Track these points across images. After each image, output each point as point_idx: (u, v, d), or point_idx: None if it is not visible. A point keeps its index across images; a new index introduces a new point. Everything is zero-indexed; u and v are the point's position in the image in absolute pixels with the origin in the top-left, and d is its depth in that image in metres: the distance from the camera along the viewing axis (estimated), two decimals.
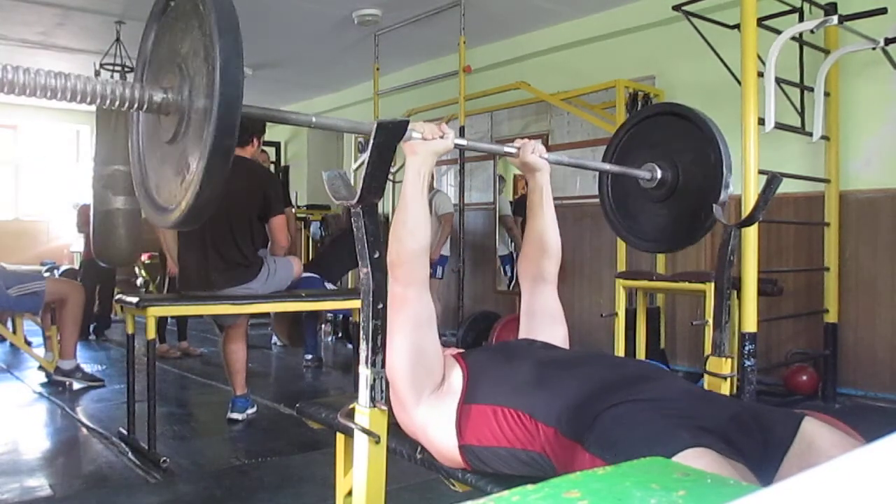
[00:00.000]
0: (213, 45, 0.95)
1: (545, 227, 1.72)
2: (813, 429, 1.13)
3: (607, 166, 1.94)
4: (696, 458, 1.00)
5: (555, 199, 5.45)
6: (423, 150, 1.39)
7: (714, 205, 1.78)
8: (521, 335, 1.68)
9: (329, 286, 4.61)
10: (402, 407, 1.38)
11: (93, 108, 5.31)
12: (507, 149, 1.69)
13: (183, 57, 1.05)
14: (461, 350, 1.56)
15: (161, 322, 5.07)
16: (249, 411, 3.51)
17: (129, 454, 2.92)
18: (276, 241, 3.50)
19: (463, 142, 1.54)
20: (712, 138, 1.76)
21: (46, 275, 5.40)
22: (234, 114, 0.95)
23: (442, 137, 1.42)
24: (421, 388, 1.37)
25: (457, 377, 1.39)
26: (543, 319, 1.68)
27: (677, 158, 1.84)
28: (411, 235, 1.35)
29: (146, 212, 1.17)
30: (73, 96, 1.02)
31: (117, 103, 1.03)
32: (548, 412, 1.24)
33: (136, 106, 1.05)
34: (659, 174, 1.84)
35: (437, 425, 1.36)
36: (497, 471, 1.32)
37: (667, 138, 1.88)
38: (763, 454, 1.12)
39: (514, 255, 6.52)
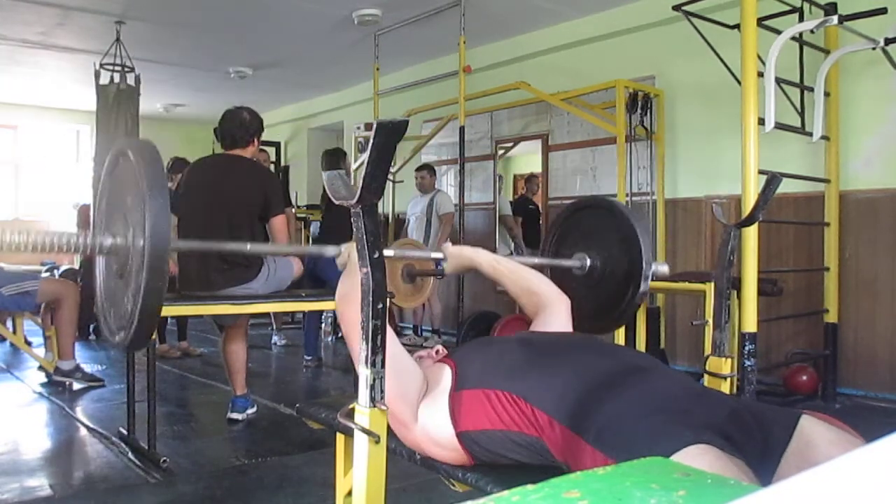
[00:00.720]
0: (143, 215, 1.18)
1: (522, 290, 1.79)
2: (811, 426, 1.13)
3: (538, 260, 2.05)
4: (699, 455, 1.00)
5: (555, 198, 5.44)
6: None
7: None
8: None
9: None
10: (404, 427, 1.39)
11: (93, 107, 5.30)
12: (433, 255, 1.83)
13: (127, 208, 1.30)
14: (446, 351, 1.57)
15: (161, 322, 5.07)
16: (249, 411, 3.51)
17: (129, 454, 2.92)
18: (276, 241, 3.50)
19: (390, 252, 1.71)
20: (634, 235, 1.87)
21: (45, 275, 5.40)
22: (164, 254, 1.19)
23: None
24: (412, 398, 1.38)
25: (446, 375, 1.40)
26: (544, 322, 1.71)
27: (606, 247, 1.96)
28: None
29: (105, 333, 1.42)
30: (36, 248, 1.25)
31: (73, 250, 1.29)
32: (543, 399, 1.25)
33: (89, 251, 1.30)
34: (588, 262, 1.94)
35: (435, 424, 1.36)
36: (495, 454, 1.33)
37: (597, 228, 2.01)
38: (762, 451, 1.12)
39: (515, 255, 6.52)
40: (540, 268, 2.10)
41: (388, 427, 1.28)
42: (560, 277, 2.06)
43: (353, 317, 1.30)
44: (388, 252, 1.61)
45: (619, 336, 4.13)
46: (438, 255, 1.79)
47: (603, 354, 1.38)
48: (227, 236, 3.28)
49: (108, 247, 1.30)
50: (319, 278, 4.74)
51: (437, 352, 1.63)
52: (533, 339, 1.47)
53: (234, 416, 3.47)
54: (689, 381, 1.35)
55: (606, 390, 1.20)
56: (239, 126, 3.42)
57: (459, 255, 1.81)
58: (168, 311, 3.49)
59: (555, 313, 1.73)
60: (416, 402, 1.38)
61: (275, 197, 3.43)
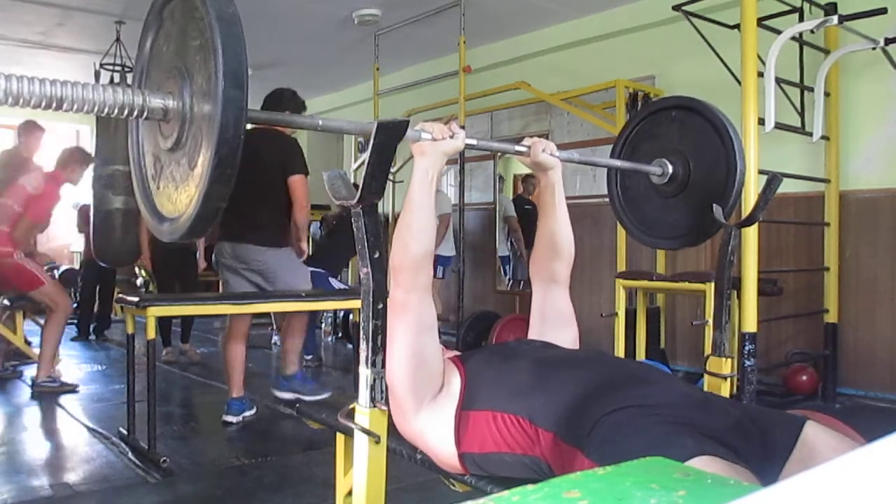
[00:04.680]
0: (215, 50, 0.92)
1: (558, 226, 1.67)
2: (815, 434, 1.12)
3: (618, 163, 1.90)
4: (703, 466, 0.99)
5: None
6: (432, 151, 1.34)
7: (714, 205, 1.76)
8: (531, 336, 1.66)
9: (333, 282, 4.64)
10: (401, 414, 1.37)
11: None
12: (518, 147, 1.64)
13: (184, 60, 1.01)
14: (458, 353, 1.54)
15: (165, 324, 5.02)
16: (247, 413, 3.50)
17: (129, 454, 2.92)
18: (296, 199, 3.52)
19: (473, 141, 1.47)
20: (726, 136, 1.71)
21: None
22: (240, 122, 0.92)
23: (452, 137, 1.36)
24: (422, 394, 1.35)
25: (455, 382, 1.38)
26: (553, 321, 1.65)
27: (688, 153, 1.80)
28: (416, 240, 1.32)
29: (148, 223, 1.14)
30: (71, 106, 0.98)
31: (116, 111, 0.99)
32: (546, 417, 1.24)
33: (135, 114, 1.00)
34: (670, 169, 1.80)
35: (435, 432, 1.35)
36: (494, 473, 1.32)
37: (676, 133, 1.83)
38: (764, 460, 1.11)
39: (514, 256, 6.53)
40: (616, 170, 1.97)
41: (389, 427, 1.28)
42: (634, 188, 1.93)
43: (396, 262, 1.27)
44: (470, 140, 1.44)
45: (620, 336, 4.14)
46: (523, 148, 1.63)
47: (610, 367, 1.36)
48: (255, 201, 3.40)
49: (160, 110, 1.00)
50: None
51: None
52: (544, 357, 1.43)
53: (229, 418, 3.45)
54: (690, 390, 1.34)
55: (605, 402, 1.19)
56: (272, 99, 3.62)
57: (544, 164, 1.65)
58: (168, 310, 3.50)
59: (556, 301, 1.67)
60: (425, 395, 1.36)
61: (293, 157, 3.55)
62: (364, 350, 1.20)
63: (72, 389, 4.15)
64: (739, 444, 1.12)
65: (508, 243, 6.49)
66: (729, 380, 1.84)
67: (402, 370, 1.32)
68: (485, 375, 1.38)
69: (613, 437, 1.12)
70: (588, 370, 1.33)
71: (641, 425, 1.13)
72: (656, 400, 1.21)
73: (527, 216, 6.67)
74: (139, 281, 7.08)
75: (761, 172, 3.02)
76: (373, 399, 1.22)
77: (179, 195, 1.02)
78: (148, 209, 1.13)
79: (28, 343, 4.82)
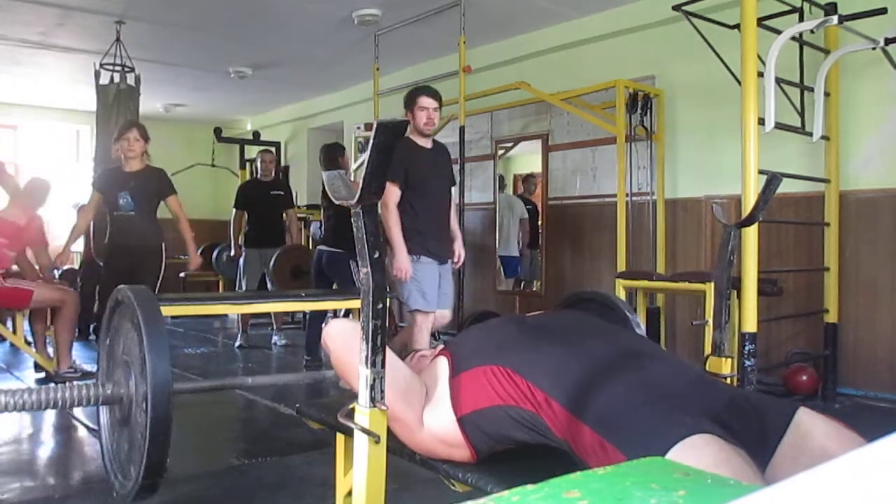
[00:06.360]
0: (145, 363, 1.19)
1: None
2: (808, 419, 1.14)
3: None
4: (703, 446, 1.01)
5: (555, 198, 5.43)
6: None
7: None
8: None
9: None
10: (409, 430, 1.39)
11: (93, 108, 5.32)
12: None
13: (129, 356, 1.31)
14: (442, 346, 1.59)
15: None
16: None
17: None
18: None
19: None
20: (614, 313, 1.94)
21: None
22: (166, 399, 1.19)
23: None
24: (414, 400, 1.38)
25: (443, 367, 1.42)
26: None
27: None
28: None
29: (115, 482, 1.41)
30: (43, 406, 1.28)
31: (76, 403, 1.31)
32: (538, 376, 1.26)
33: (92, 402, 1.30)
34: None
35: (438, 419, 1.37)
36: (496, 436, 1.33)
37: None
38: (758, 441, 1.13)
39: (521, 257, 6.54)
40: None
41: (388, 427, 1.28)
42: None
43: (352, 358, 1.30)
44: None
45: None
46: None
47: (601, 336, 1.39)
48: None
49: (110, 396, 1.31)
50: (325, 275, 4.80)
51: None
52: (526, 318, 1.49)
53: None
54: (686, 368, 1.36)
55: (605, 374, 1.21)
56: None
57: None
58: (167, 310, 3.50)
59: None
60: (418, 404, 1.39)
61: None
62: (364, 350, 1.21)
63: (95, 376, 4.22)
64: (735, 422, 1.14)
65: (520, 245, 6.50)
66: (729, 380, 1.85)
67: (389, 387, 1.33)
68: (468, 342, 1.45)
69: (616, 412, 1.15)
70: (582, 336, 1.36)
71: (643, 400, 1.15)
72: (656, 376, 1.23)
73: (528, 216, 6.69)
74: None
75: (761, 172, 3.02)
76: (373, 399, 1.22)
77: (130, 463, 1.32)
78: (112, 472, 1.44)
79: (28, 343, 4.81)
